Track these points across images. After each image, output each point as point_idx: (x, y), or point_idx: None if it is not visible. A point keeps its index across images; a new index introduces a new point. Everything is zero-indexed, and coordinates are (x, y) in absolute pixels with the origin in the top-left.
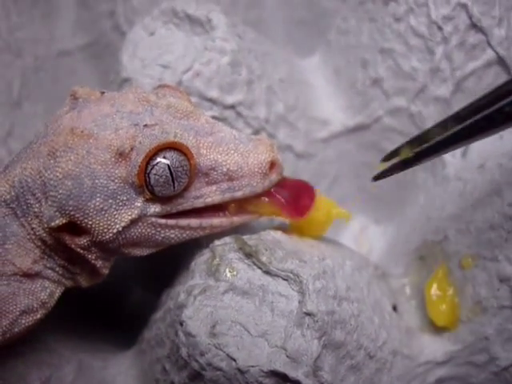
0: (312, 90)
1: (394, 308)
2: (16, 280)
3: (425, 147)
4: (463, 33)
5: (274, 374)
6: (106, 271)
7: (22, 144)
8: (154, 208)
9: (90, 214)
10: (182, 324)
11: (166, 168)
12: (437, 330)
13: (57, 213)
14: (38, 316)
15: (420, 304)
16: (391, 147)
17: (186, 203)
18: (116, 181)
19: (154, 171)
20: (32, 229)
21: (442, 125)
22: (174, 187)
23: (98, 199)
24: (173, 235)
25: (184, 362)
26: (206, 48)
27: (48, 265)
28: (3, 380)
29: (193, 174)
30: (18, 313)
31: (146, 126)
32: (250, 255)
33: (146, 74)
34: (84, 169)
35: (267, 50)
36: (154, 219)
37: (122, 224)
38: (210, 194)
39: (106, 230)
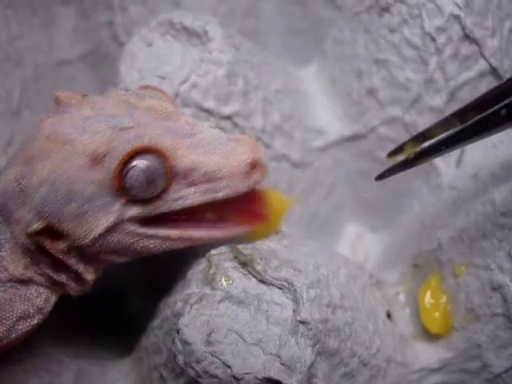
0: (308, 100)
1: (388, 316)
2: (11, 286)
3: (425, 148)
4: (456, 44)
5: (268, 381)
6: (90, 277)
7: None
8: (132, 211)
9: (67, 220)
10: (178, 332)
11: (141, 171)
12: (430, 337)
13: (34, 218)
14: (35, 321)
15: (414, 312)
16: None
17: (165, 205)
18: (91, 186)
19: (129, 175)
20: (17, 235)
21: (446, 122)
22: (149, 189)
23: (73, 205)
24: (152, 245)
25: (181, 370)
26: (202, 59)
27: (38, 271)
28: None
29: (169, 177)
30: (14, 319)
31: (122, 129)
32: (245, 264)
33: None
34: (59, 175)
35: (263, 60)
36: (132, 228)
37: (99, 229)
38: (190, 196)
39: (83, 235)
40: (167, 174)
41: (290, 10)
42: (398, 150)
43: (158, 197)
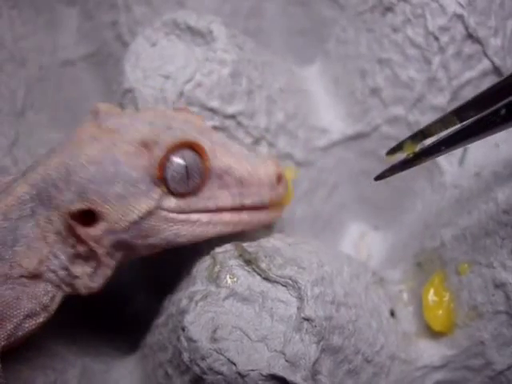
0: (311, 99)
1: (392, 313)
2: (21, 283)
3: (424, 148)
4: (459, 43)
5: (273, 377)
6: (108, 272)
7: (26, 153)
8: (169, 202)
9: (110, 200)
10: (183, 329)
11: (183, 165)
12: (433, 334)
13: (78, 197)
14: (41, 320)
15: (417, 309)
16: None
17: (199, 203)
18: (138, 170)
19: (171, 167)
20: (49, 223)
21: (445, 120)
22: (187, 184)
23: (119, 186)
24: (184, 231)
25: (186, 367)
26: (207, 59)
27: (51, 267)
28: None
29: (206, 175)
30: (21, 317)
31: (167, 127)
32: (249, 262)
33: (147, 85)
34: (108, 156)
35: (267, 59)
36: (165, 213)
37: (139, 213)
38: (221, 197)
39: (122, 218)
40: (204, 173)
41: (293, 10)
42: (397, 147)
43: (193, 193)
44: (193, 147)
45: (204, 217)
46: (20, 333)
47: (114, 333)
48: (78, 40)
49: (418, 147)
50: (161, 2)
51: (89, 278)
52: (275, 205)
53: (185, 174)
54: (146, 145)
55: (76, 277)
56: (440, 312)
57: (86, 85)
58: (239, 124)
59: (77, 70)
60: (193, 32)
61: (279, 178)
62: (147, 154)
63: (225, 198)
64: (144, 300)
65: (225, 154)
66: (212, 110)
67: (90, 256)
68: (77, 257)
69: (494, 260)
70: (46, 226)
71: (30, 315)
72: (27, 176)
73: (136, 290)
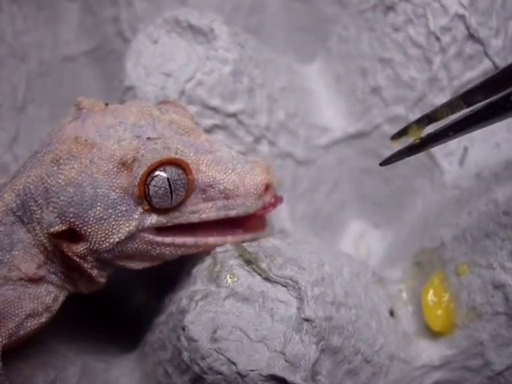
0: (312, 97)
1: (391, 313)
2: (21, 285)
3: (432, 133)
4: (461, 43)
5: (273, 378)
6: (102, 280)
7: (27, 149)
8: (151, 219)
9: (90, 222)
10: (184, 329)
11: (166, 181)
12: (433, 335)
13: (57, 219)
14: (43, 319)
15: (416, 309)
16: (390, 154)
17: (182, 217)
18: (117, 191)
19: (153, 183)
20: (36, 234)
21: (451, 104)
22: (171, 200)
23: (98, 208)
24: (167, 252)
25: (186, 366)
26: (208, 57)
27: (51, 270)
28: (10, 382)
29: (190, 189)
30: (23, 316)
31: (148, 138)
32: (250, 262)
33: (149, 83)
34: (86, 177)
35: (268, 57)
36: (151, 237)
37: (120, 235)
38: (206, 210)
39: (103, 239)
40: (188, 187)
41: (295, 7)
42: (403, 132)
43: (176, 208)
44: (175, 163)
45: (189, 240)
46: (22, 332)
47: (114, 331)
48: (79, 36)
49: (423, 132)
50: None
51: (87, 281)
52: (259, 222)
53: (168, 189)
54: (125, 164)
55: (76, 279)
56: (439, 312)
57: (86, 80)
58: (240, 122)
59: (77, 65)
60: (194, 30)
61: (267, 187)
62: (127, 173)
63: (209, 211)
64: (144, 299)
65: (209, 166)
66: (213, 109)
67: (79, 268)
68: (69, 266)
69: (493, 261)
70: (34, 236)
71: (32, 315)
72: (13, 183)
73: (136, 289)
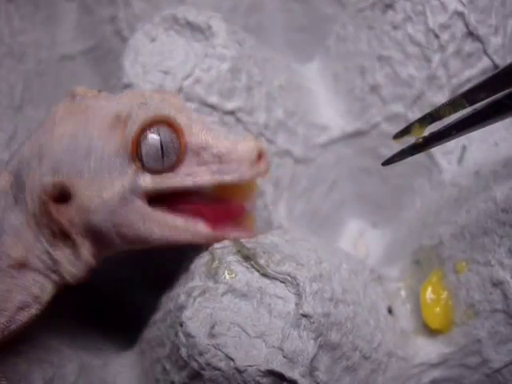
0: (311, 96)
1: (390, 311)
2: (9, 275)
3: (435, 132)
4: (460, 41)
5: (271, 373)
6: (87, 256)
7: None
8: (144, 179)
9: (84, 174)
10: (181, 325)
11: (157, 140)
12: (431, 332)
13: (50, 171)
14: (33, 311)
15: (415, 307)
16: (389, 153)
17: (176, 179)
18: (111, 144)
19: (145, 142)
20: (26, 208)
21: (453, 102)
22: (163, 161)
23: (91, 160)
24: (156, 229)
25: (184, 362)
26: (206, 55)
27: (37, 252)
28: (6, 379)
29: (183, 151)
30: (14, 309)
31: (142, 103)
32: (248, 258)
33: (147, 80)
34: (81, 130)
35: (267, 56)
36: (141, 204)
37: (111, 192)
38: (200, 173)
39: (96, 194)
40: (180, 149)
41: (293, 7)
42: (405, 131)
43: (169, 170)
44: (168, 123)
45: (179, 220)
46: (13, 326)
47: (111, 328)
48: (77, 35)
49: (426, 130)
50: None
51: (70, 264)
52: (248, 220)
53: (160, 150)
54: (119, 119)
55: (58, 262)
56: (437, 310)
57: (84, 80)
58: (238, 120)
59: (75, 64)
60: (192, 27)
61: (260, 155)
62: (121, 129)
63: (203, 175)
64: (141, 296)
65: (202, 130)
66: (211, 106)
67: (64, 236)
68: (54, 237)
69: (491, 258)
70: (27, 209)
71: (21, 307)
72: (8, 167)
73: (133, 285)
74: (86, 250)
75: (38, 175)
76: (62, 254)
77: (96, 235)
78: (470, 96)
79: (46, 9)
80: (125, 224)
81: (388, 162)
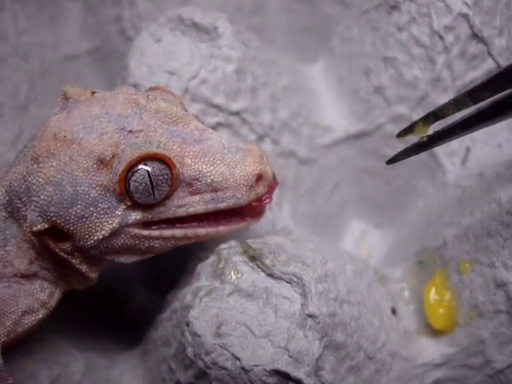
0: (315, 97)
1: (393, 311)
2: (16, 282)
3: (439, 131)
4: (464, 43)
5: (276, 373)
6: (93, 275)
7: None
8: (135, 215)
9: (71, 221)
10: (188, 324)
11: (146, 175)
12: (434, 333)
13: (39, 217)
14: (40, 316)
15: (418, 308)
16: (392, 154)
17: (168, 212)
18: (97, 188)
19: (133, 178)
20: (25, 231)
21: (457, 101)
22: (154, 195)
23: (79, 206)
24: (157, 245)
25: (190, 362)
26: (212, 55)
27: (43, 265)
28: (13, 378)
29: (174, 184)
30: (20, 313)
31: (130, 131)
32: (254, 258)
33: (152, 81)
34: (66, 175)
35: (271, 57)
36: (137, 231)
37: (103, 232)
38: (193, 204)
39: (87, 237)
40: (172, 181)
41: (297, 7)
42: (409, 129)
43: (161, 203)
44: (157, 157)
45: (178, 232)
46: (20, 329)
47: (116, 328)
48: (82, 35)
49: (429, 129)
50: None
51: (79, 278)
52: (254, 208)
53: (149, 185)
54: (103, 161)
55: (64, 275)
56: (441, 310)
57: (88, 80)
58: (243, 121)
59: (80, 64)
60: (198, 28)
61: (259, 177)
62: (106, 169)
63: (196, 205)
64: (145, 295)
65: (195, 158)
66: (217, 107)
67: (66, 263)
68: (59, 262)
69: (495, 260)
70: (25, 230)
71: (28, 311)
72: (4, 178)
73: (138, 285)
74: (90, 272)
75: (30, 220)
76: (70, 273)
77: (98, 259)
78: (474, 95)
79: (51, 9)
80: (125, 249)
81: (392, 161)
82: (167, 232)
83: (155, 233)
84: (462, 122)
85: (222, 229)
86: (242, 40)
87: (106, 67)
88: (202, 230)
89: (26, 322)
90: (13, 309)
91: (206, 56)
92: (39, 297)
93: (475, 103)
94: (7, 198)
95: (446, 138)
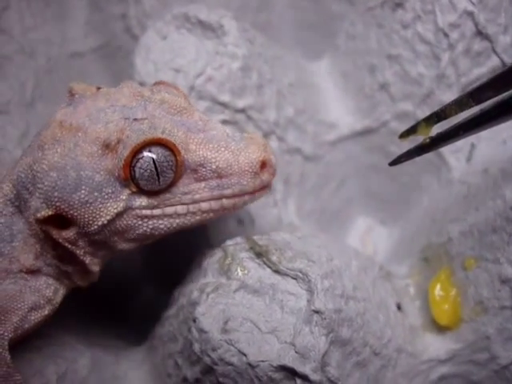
0: (320, 94)
1: (399, 307)
2: (22, 278)
3: (442, 132)
4: (469, 40)
5: (283, 368)
6: (96, 268)
7: None
8: (140, 201)
9: (75, 206)
10: (194, 320)
11: (151, 162)
12: (440, 329)
13: (43, 204)
14: (46, 312)
15: (423, 304)
16: (397, 150)
17: (174, 199)
18: (102, 173)
19: (138, 164)
20: (31, 224)
21: (460, 102)
22: (159, 182)
23: (83, 191)
24: (162, 225)
25: (196, 357)
26: (217, 53)
27: (47, 261)
28: (20, 374)
29: (179, 170)
30: (26, 309)
31: (135, 119)
32: (260, 255)
33: (158, 78)
34: (70, 160)
35: (277, 54)
36: (138, 211)
37: (108, 217)
38: (199, 191)
39: (91, 222)
40: (177, 168)
41: (303, 4)
42: (411, 130)
43: (166, 189)
44: (161, 143)
45: (181, 208)
46: (26, 325)
47: (122, 324)
48: (87, 32)
49: (432, 130)
50: None
51: (79, 274)
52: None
53: (154, 172)
54: (108, 146)
55: (68, 272)
56: (446, 306)
57: (94, 77)
58: (249, 118)
59: (85, 61)
60: (204, 26)
61: (263, 164)
62: (111, 155)
63: (202, 191)
64: (152, 292)
65: (200, 144)
66: (223, 104)
67: (69, 254)
68: (59, 256)
69: (500, 256)
70: (31, 223)
71: (34, 308)
72: (11, 173)
73: (144, 282)
74: (93, 264)
75: (34, 207)
76: (70, 267)
77: (101, 247)
78: (476, 95)
79: (57, 6)
80: (128, 231)
81: (395, 163)
82: (169, 209)
83: (157, 211)
84: (465, 123)
85: (225, 201)
86: (248, 37)
87: (112, 64)
88: (205, 204)
89: (33, 318)
90: (19, 305)
91: (211, 53)
92: (45, 293)
93: (477, 104)
94: (14, 192)
95: (448, 139)
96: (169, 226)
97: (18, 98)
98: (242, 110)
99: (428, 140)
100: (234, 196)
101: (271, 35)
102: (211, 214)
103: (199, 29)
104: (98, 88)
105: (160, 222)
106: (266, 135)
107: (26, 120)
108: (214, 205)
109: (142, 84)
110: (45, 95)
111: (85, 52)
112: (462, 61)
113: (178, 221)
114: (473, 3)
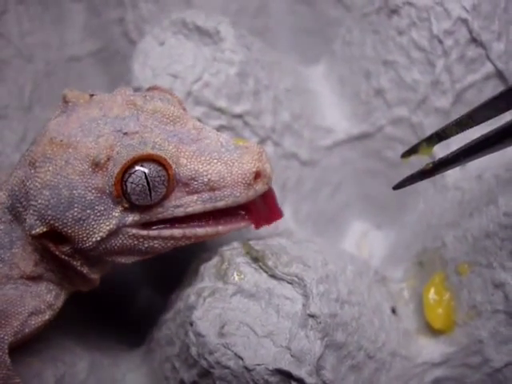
0: (317, 99)
1: (393, 311)
2: (22, 283)
3: (444, 158)
4: (463, 47)
5: (278, 372)
6: (95, 277)
7: None
8: (133, 217)
9: (69, 224)
10: (191, 324)
11: (143, 177)
12: (433, 332)
13: (37, 221)
14: (47, 317)
15: (418, 307)
16: (393, 155)
17: (166, 212)
18: (93, 191)
19: (130, 179)
20: (27, 237)
21: (460, 122)
22: (150, 197)
23: (75, 209)
24: (156, 245)
25: (193, 361)
26: (214, 59)
27: (48, 267)
28: (20, 378)
29: (171, 184)
30: (26, 314)
31: (126, 134)
32: (256, 260)
33: (156, 84)
34: (62, 179)
35: (273, 59)
36: (135, 231)
37: (101, 234)
38: (191, 204)
39: (85, 239)
40: (168, 182)
41: (300, 10)
42: (413, 150)
43: (158, 204)
44: (151, 159)
45: (177, 232)
46: (27, 330)
47: (120, 327)
48: (85, 36)
49: (433, 150)
50: (167, 0)
51: (82, 281)
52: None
53: (146, 186)
54: (98, 164)
55: (68, 278)
56: (440, 310)
57: (92, 81)
58: (246, 124)
59: (83, 66)
60: (201, 32)
61: (258, 174)
62: (101, 173)
63: (194, 205)
64: (149, 296)
65: (191, 158)
66: (220, 110)
67: (67, 265)
68: (61, 265)
69: (493, 261)
70: (27, 238)
71: (34, 313)
72: (7, 182)
73: (142, 286)
74: (92, 273)
75: (29, 224)
76: (72, 275)
77: (98, 262)
78: (476, 115)
79: (55, 10)
80: (124, 249)
81: (399, 187)
82: (166, 232)
83: (154, 233)
84: (466, 149)
85: (221, 228)
86: (245, 43)
87: (110, 68)
88: (201, 230)
89: (33, 322)
90: (20, 310)
91: (209, 59)
92: (45, 298)
93: (477, 124)
94: (10, 202)
95: (449, 165)
96: (164, 246)
97: (16, 102)
98: (239, 116)
99: (430, 165)
100: (227, 206)
101: (268, 40)
102: (205, 238)
103: (196, 35)
104: (92, 95)
105: (155, 242)
106: (263, 141)
107: (24, 124)
108: (210, 231)
109: (139, 89)
110: (43, 99)
111: (83, 56)
112: (456, 67)
113: (172, 242)
114: (467, 10)
